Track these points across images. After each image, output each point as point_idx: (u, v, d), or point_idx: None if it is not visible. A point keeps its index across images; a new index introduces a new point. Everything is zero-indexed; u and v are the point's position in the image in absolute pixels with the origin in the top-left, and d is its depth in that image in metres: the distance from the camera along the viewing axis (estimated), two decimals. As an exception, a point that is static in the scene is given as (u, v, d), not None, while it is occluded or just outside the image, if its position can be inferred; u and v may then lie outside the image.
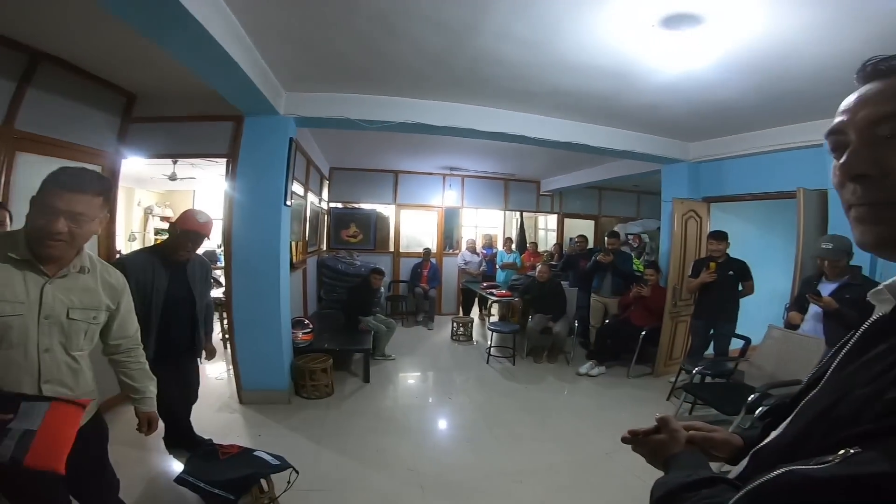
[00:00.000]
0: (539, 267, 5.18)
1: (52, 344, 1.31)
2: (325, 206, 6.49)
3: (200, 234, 2.18)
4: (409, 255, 7.15)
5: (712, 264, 3.74)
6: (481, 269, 7.06)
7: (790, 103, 3.06)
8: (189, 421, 2.59)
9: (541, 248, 7.88)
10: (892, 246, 0.46)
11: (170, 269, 2.21)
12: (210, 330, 2.58)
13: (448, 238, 7.56)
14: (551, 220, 8.69)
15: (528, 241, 8.21)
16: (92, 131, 3.01)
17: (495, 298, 5.79)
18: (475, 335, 5.87)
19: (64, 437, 1.15)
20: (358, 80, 3.06)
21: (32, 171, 2.47)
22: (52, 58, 2.56)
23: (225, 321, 4.83)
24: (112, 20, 1.77)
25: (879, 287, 0.51)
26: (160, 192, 8.54)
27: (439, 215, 7.36)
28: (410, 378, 4.41)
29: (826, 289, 2.69)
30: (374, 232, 7.04)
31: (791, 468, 0.40)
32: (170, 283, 2.20)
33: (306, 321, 4.14)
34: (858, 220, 0.48)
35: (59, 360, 1.33)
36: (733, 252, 3.83)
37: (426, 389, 4.19)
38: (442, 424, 3.41)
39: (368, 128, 3.43)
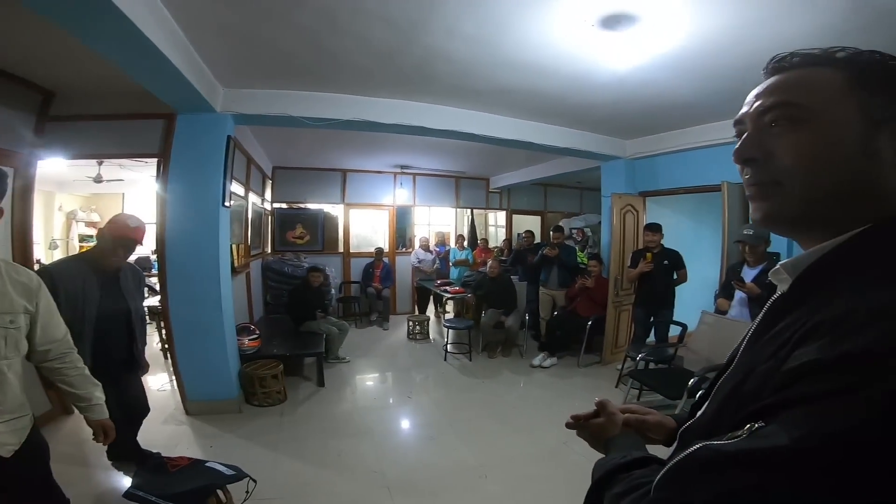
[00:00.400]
0: (490, 262, 5.31)
1: None
2: (268, 206, 6.22)
3: (132, 239, 2.05)
4: (360, 255, 7.06)
5: (648, 255, 4.02)
6: (435, 266, 7.10)
7: (719, 100, 3.25)
8: (135, 434, 2.42)
9: (491, 245, 8.06)
10: (778, 220, 0.52)
11: (101, 278, 2.06)
12: (143, 342, 2.41)
13: (401, 237, 7.55)
14: (500, 217, 8.89)
15: (479, 237, 8.37)
16: (2, 131, 2.74)
17: (449, 295, 5.86)
18: (432, 333, 5.91)
19: None
20: (301, 76, 2.99)
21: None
22: None
23: (163, 330, 4.61)
24: (27, 15, 1.64)
25: (776, 267, 0.55)
26: (85, 195, 7.82)
27: (391, 214, 7.32)
28: (368, 379, 4.37)
29: (748, 275, 2.94)
30: (321, 232, 6.87)
31: (706, 444, 0.42)
32: (102, 293, 2.05)
33: (252, 327, 3.99)
34: (751, 199, 0.54)
35: None
36: (667, 242, 4.12)
37: (385, 390, 4.17)
38: (403, 424, 3.41)
39: (312, 125, 3.36)
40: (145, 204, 8.39)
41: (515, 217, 8.52)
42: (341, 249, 7.08)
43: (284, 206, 6.76)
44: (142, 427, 2.47)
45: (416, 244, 7.42)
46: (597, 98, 3.36)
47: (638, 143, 4.75)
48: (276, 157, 6.12)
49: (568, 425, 0.82)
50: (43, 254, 6.47)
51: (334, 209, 7.08)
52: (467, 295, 5.63)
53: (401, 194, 7.29)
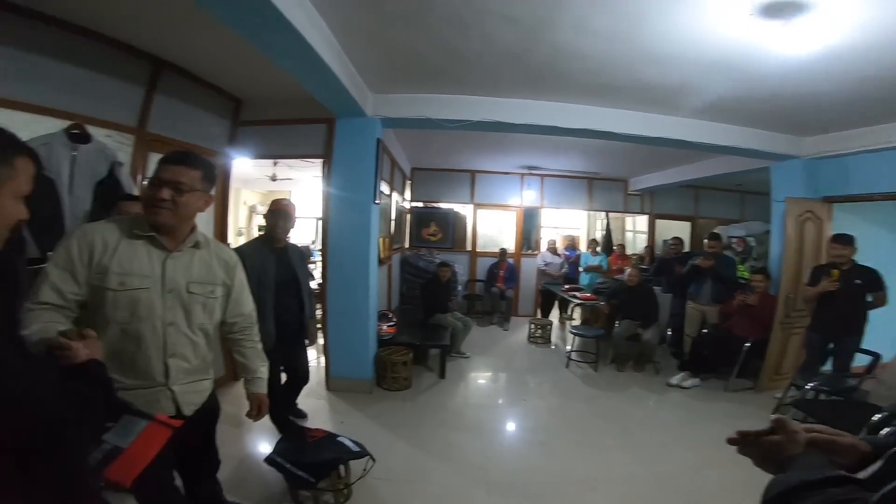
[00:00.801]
0: (629, 270, 4.94)
1: (176, 317, 1.42)
2: (407, 205, 6.75)
3: (284, 210, 2.58)
4: (485, 254, 7.18)
5: (835, 272, 3.29)
6: (562, 270, 6.86)
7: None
8: (294, 401, 2.90)
9: (628, 251, 7.48)
10: None
11: (274, 253, 2.56)
12: (311, 313, 2.87)
13: (526, 238, 7.48)
14: (640, 222, 8.18)
15: (614, 243, 7.84)
16: (208, 134, 3.42)
17: (579, 301, 5.62)
18: (554, 338, 5.74)
19: (144, 457, 1.17)
20: (436, 79, 3.13)
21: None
22: (171, 65, 2.92)
23: (318, 312, 5.39)
24: (221, 30, 2.00)
25: None
26: (262, 192, 9.51)
27: (518, 215, 7.29)
28: (484, 377, 4.43)
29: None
30: (452, 231, 7.16)
31: None
32: (276, 267, 2.53)
33: (390, 314, 4.34)
34: None
35: (181, 334, 1.44)
36: (861, 258, 3.34)
37: (499, 389, 4.18)
38: (513, 425, 3.37)
39: (448, 127, 3.51)
40: (307, 199, 9.86)
41: (659, 222, 7.73)
42: (469, 248, 7.28)
43: (421, 204, 7.21)
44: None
45: (543, 246, 7.27)
46: (762, 91, 2.89)
47: (819, 141, 3.93)
48: (415, 158, 6.54)
49: (731, 441, 0.75)
50: (231, 239, 8.04)
51: (464, 209, 7.32)
52: (600, 303, 5.32)
53: (528, 195, 7.20)
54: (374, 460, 2.30)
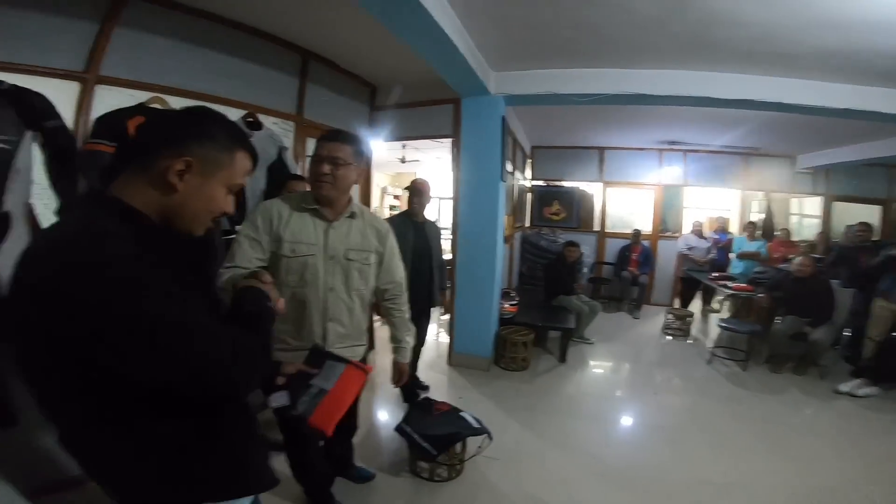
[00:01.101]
0: (797, 259, 4.19)
1: (336, 283, 1.58)
2: (528, 183, 6.65)
3: (416, 187, 2.96)
4: (616, 235, 6.71)
5: None
6: (709, 256, 6.06)
7: None
8: (415, 369, 3.17)
9: (795, 238, 6.33)
10: None
11: (413, 226, 2.88)
12: (444, 286, 3.08)
13: (665, 220, 6.80)
14: (809, 204, 6.83)
15: (776, 227, 6.70)
16: (351, 119, 3.75)
17: (730, 292, 4.96)
18: (694, 331, 5.17)
19: (344, 402, 1.21)
20: (563, 53, 2.98)
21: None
22: (316, 56, 3.23)
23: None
24: (358, 20, 2.19)
25: None
26: (392, 174, 10.27)
27: (656, 194, 6.64)
28: (609, 366, 4.21)
29: None
30: (577, 210, 6.83)
31: None
32: (415, 236, 2.84)
33: (512, 293, 4.36)
34: None
35: (339, 299, 1.60)
36: None
37: (626, 381, 3.92)
38: (638, 419, 3.14)
39: (579, 102, 3.33)
40: (433, 181, 10.23)
41: (837, 205, 6.36)
42: (597, 228, 6.88)
43: (542, 183, 7.01)
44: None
45: (686, 228, 6.54)
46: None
47: None
48: (535, 136, 6.33)
49: None
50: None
51: (591, 187, 6.92)
52: (757, 294, 4.65)
53: (668, 173, 6.48)
54: (491, 438, 2.35)
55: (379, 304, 1.83)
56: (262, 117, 2.74)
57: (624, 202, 6.86)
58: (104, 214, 0.75)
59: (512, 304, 4.22)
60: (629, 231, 6.38)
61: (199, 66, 2.49)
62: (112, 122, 1.93)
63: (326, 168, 1.51)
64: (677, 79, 3.12)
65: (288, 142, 3.02)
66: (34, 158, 1.71)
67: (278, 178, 2.62)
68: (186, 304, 0.73)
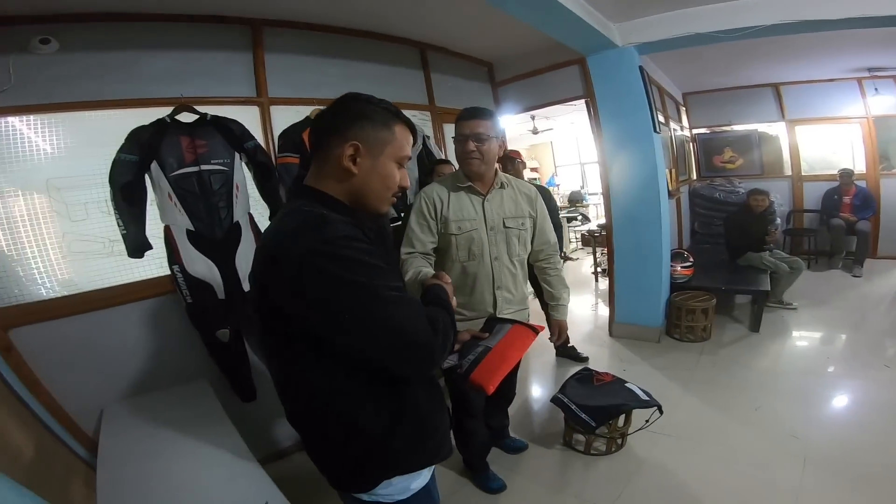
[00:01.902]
0: None
1: (500, 252, 1.73)
2: (687, 133, 6.03)
3: (509, 156, 3.24)
4: (817, 178, 5.61)
5: None
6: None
7: None
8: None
9: None
10: None
11: None
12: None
13: (885, 155, 5.46)
14: None
15: None
16: (477, 99, 3.89)
17: None
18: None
19: (508, 359, 1.21)
20: None
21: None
22: (432, 46, 3.44)
23: (596, 254, 5.54)
24: (460, 2, 2.27)
25: None
26: (526, 147, 10.22)
27: (865, 128, 5.37)
28: (818, 335, 3.56)
29: None
30: (759, 155, 5.95)
31: None
32: None
33: (686, 253, 3.93)
34: None
35: (504, 267, 1.74)
36: None
37: (843, 352, 3.25)
38: (861, 396, 2.62)
39: (729, 39, 2.92)
40: (568, 147, 10.01)
41: None
42: (788, 173, 5.86)
43: (705, 130, 6.31)
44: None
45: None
46: None
47: None
48: (684, 83, 5.75)
49: None
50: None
51: (771, 128, 5.93)
52: None
53: (877, 103, 5.17)
54: (661, 412, 2.24)
55: (534, 266, 1.94)
56: (405, 111, 3.04)
57: (820, 141, 5.71)
58: (319, 205, 0.87)
59: (685, 267, 3.80)
60: (833, 172, 5.29)
61: (341, 74, 2.85)
62: (291, 136, 2.35)
63: (472, 146, 1.64)
64: None
65: (428, 130, 3.30)
66: (246, 175, 2.21)
67: (427, 166, 2.87)
68: (393, 277, 0.84)
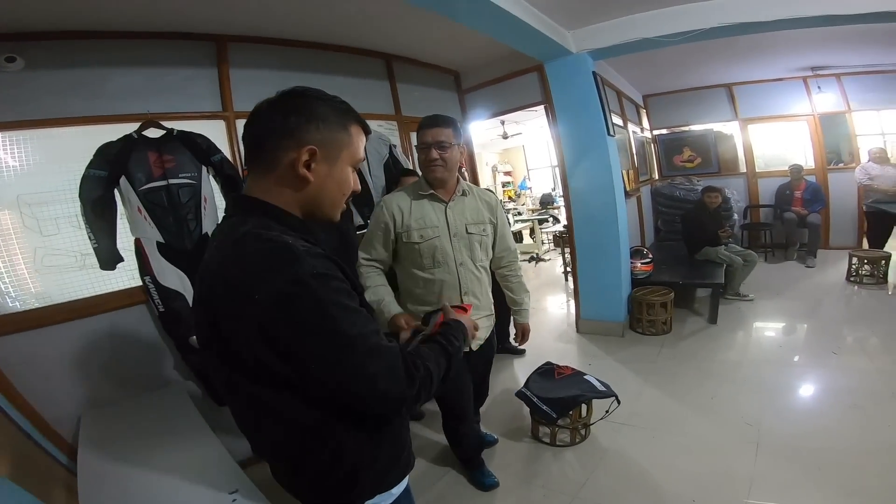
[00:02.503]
0: None
1: (464, 258, 1.77)
2: (647, 134, 6.36)
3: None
4: (769, 174, 6.00)
5: None
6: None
7: None
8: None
9: None
10: None
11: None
12: None
13: (832, 151, 5.89)
14: None
15: None
16: (444, 107, 4.06)
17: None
18: (892, 277, 4.39)
19: None
20: None
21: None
22: (397, 57, 3.59)
23: (566, 255, 5.70)
24: (424, 16, 2.43)
25: None
26: (499, 151, 10.51)
27: (812, 125, 5.79)
28: (773, 325, 3.83)
29: None
30: (715, 153, 6.34)
31: None
32: None
33: (645, 250, 4.18)
34: None
35: (469, 272, 1.79)
36: None
37: (795, 341, 3.53)
38: (811, 383, 2.83)
39: (673, 42, 3.16)
40: (540, 151, 10.32)
41: None
42: (743, 170, 6.24)
43: (665, 131, 6.67)
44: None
45: (864, 157, 5.57)
46: None
47: None
48: (643, 85, 6.08)
49: None
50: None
51: (726, 127, 6.33)
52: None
53: (822, 100, 5.61)
54: (618, 402, 2.37)
55: (495, 273, 2.04)
56: (368, 123, 3.16)
57: (772, 138, 6.11)
58: (272, 222, 0.79)
59: (645, 263, 4.04)
60: (785, 168, 5.67)
61: (317, 85, 2.98)
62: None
63: (434, 153, 1.68)
64: None
65: (395, 139, 3.44)
66: (214, 188, 2.32)
67: (395, 175, 3.00)
68: (369, 319, 0.78)
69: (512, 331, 2.31)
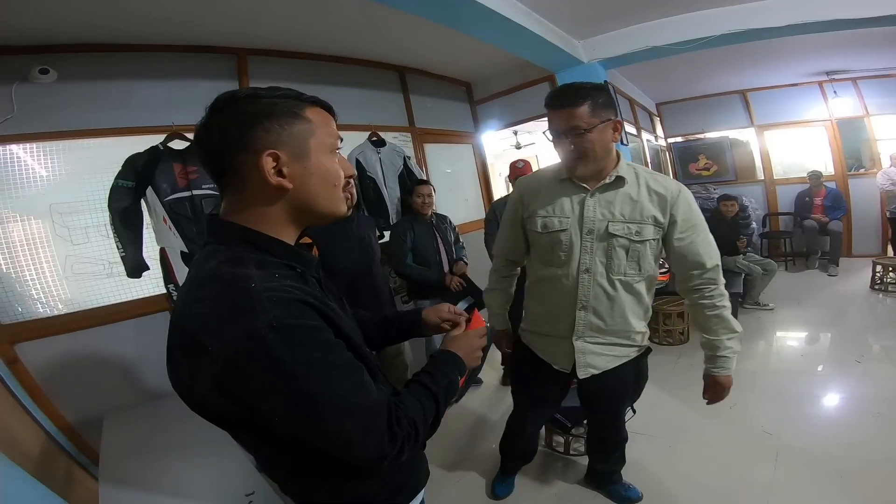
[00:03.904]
0: None
1: (594, 264, 1.36)
2: (662, 143, 6.43)
3: (517, 172, 3.04)
4: (789, 181, 6.01)
5: None
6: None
7: None
8: None
9: None
10: None
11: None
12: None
13: (852, 156, 5.88)
14: None
15: None
16: (456, 118, 4.20)
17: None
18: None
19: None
20: (648, 5, 2.98)
21: (436, 155, 3.80)
22: (410, 69, 3.72)
23: None
24: (438, 29, 2.51)
25: None
26: (511, 161, 10.68)
27: (829, 130, 5.81)
28: (794, 334, 3.81)
29: None
30: (731, 160, 6.36)
31: None
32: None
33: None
34: None
35: (596, 284, 1.37)
36: None
37: (818, 350, 3.51)
38: (834, 392, 2.81)
39: (684, 50, 3.25)
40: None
41: None
42: (761, 177, 6.26)
43: (680, 139, 6.72)
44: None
45: (885, 162, 5.56)
46: None
47: None
48: (656, 93, 6.17)
49: None
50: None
51: (742, 134, 6.36)
52: None
53: (839, 105, 5.63)
54: (634, 411, 2.33)
55: (685, 299, 1.53)
56: (383, 134, 3.26)
57: (789, 144, 6.13)
58: (251, 249, 0.72)
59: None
60: (804, 175, 5.67)
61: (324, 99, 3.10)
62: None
63: (567, 145, 1.32)
64: (797, 3, 2.86)
65: (409, 151, 3.54)
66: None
67: (409, 186, 3.06)
68: (350, 372, 0.70)
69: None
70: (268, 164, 0.69)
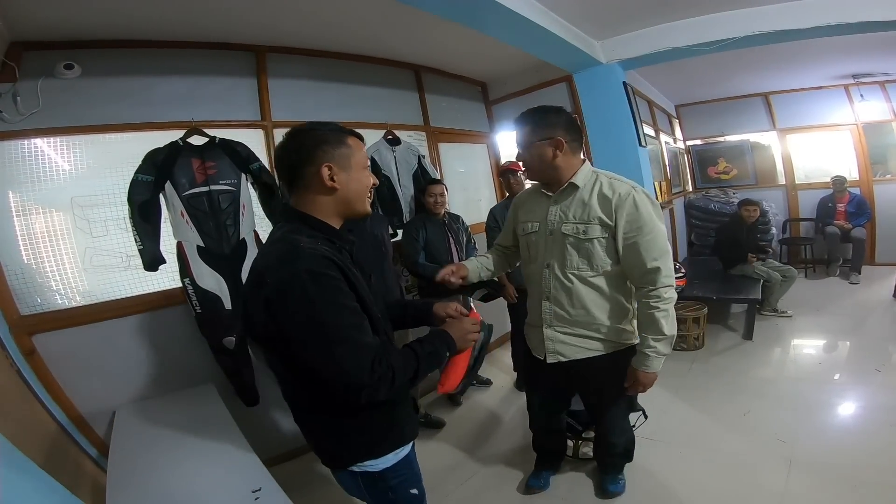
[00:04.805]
0: None
1: (552, 260, 1.61)
2: (681, 145, 6.35)
3: (506, 168, 3.22)
4: (811, 186, 5.90)
5: None
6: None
7: None
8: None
9: None
10: None
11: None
12: None
13: (879, 161, 5.75)
14: None
15: None
16: (471, 118, 4.22)
17: None
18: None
19: (458, 367, 1.23)
20: (667, 5, 2.96)
21: (449, 155, 3.83)
22: (426, 68, 3.73)
23: None
24: (455, 28, 2.53)
25: None
26: (523, 161, 10.65)
27: (854, 135, 5.68)
28: (812, 341, 3.77)
29: None
30: (752, 164, 6.27)
31: None
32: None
33: (678, 265, 4.13)
34: None
35: (555, 278, 1.61)
36: None
37: (836, 358, 3.46)
38: (851, 401, 2.76)
39: (704, 52, 3.21)
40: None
41: None
42: (782, 182, 6.16)
43: (699, 142, 6.65)
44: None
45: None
46: None
47: None
48: (676, 95, 6.11)
49: None
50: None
51: (763, 137, 6.26)
52: None
53: (865, 109, 5.51)
54: (645, 416, 2.36)
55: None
56: (398, 132, 3.29)
57: (812, 149, 6.01)
58: (305, 227, 1.06)
59: (677, 278, 4.03)
60: (827, 180, 5.57)
61: (340, 98, 3.14)
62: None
63: (519, 161, 1.63)
64: (823, 5, 2.81)
65: (423, 150, 3.55)
66: (251, 195, 2.46)
67: (423, 184, 3.09)
68: (353, 314, 0.99)
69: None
70: (325, 172, 1.05)
